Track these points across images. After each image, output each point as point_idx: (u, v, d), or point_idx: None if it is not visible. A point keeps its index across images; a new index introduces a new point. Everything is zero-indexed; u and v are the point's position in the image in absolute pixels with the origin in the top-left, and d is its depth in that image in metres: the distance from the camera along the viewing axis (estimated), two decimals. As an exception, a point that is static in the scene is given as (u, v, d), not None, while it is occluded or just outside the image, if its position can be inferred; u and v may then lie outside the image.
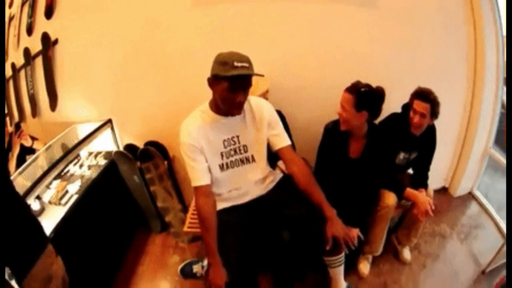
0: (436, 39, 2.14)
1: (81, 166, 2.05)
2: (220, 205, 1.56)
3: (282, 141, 1.56)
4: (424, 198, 1.84)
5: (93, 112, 2.29)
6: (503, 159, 2.37)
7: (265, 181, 1.64)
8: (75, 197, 1.74)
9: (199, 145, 1.43)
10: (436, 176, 2.11)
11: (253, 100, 1.53)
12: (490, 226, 2.43)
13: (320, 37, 2.09)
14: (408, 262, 2.13)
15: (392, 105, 1.98)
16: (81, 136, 2.10)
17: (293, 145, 1.69)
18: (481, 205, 2.59)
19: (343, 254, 1.67)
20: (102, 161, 2.16)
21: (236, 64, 1.26)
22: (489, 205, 2.54)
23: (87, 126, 2.19)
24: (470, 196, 2.69)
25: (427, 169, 2.03)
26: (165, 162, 2.21)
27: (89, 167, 2.07)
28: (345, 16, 2.05)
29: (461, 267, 2.12)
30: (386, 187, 1.91)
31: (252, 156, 1.56)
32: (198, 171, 1.44)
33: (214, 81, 1.35)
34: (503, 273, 1.93)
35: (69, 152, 1.81)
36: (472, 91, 2.31)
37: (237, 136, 1.52)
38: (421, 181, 1.99)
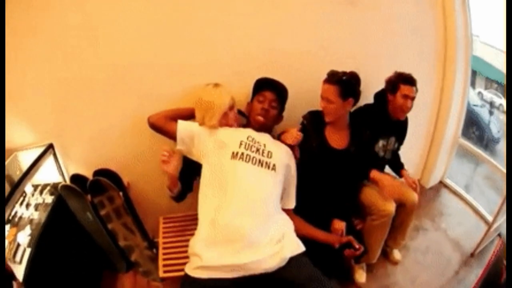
0: (409, 34, 2.12)
1: (27, 206, 1.64)
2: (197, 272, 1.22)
3: (289, 201, 1.49)
4: (389, 180, 1.76)
5: (32, 136, 1.80)
6: (472, 146, 2.50)
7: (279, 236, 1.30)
8: (28, 251, 1.41)
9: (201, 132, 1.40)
10: (408, 170, 2.11)
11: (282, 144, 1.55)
12: (466, 210, 2.54)
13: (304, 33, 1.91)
14: (400, 262, 2.12)
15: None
16: (25, 166, 1.68)
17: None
18: (454, 192, 2.70)
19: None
20: (49, 198, 1.74)
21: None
22: (462, 191, 2.65)
23: (29, 154, 1.73)
24: (442, 185, 2.79)
25: (399, 150, 2.09)
26: (121, 194, 1.82)
27: (36, 207, 1.66)
28: (326, 12, 1.90)
29: (451, 254, 2.18)
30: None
31: (274, 165, 1.34)
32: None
33: (250, 103, 1.61)
34: (490, 252, 2.06)
35: (15, 189, 1.43)
36: (442, 83, 2.36)
37: (264, 144, 1.39)
38: (398, 163, 2.09)
